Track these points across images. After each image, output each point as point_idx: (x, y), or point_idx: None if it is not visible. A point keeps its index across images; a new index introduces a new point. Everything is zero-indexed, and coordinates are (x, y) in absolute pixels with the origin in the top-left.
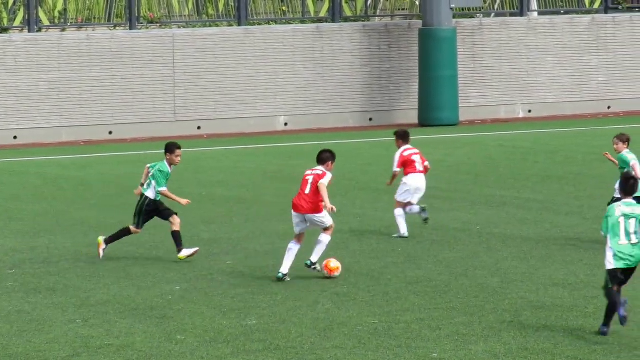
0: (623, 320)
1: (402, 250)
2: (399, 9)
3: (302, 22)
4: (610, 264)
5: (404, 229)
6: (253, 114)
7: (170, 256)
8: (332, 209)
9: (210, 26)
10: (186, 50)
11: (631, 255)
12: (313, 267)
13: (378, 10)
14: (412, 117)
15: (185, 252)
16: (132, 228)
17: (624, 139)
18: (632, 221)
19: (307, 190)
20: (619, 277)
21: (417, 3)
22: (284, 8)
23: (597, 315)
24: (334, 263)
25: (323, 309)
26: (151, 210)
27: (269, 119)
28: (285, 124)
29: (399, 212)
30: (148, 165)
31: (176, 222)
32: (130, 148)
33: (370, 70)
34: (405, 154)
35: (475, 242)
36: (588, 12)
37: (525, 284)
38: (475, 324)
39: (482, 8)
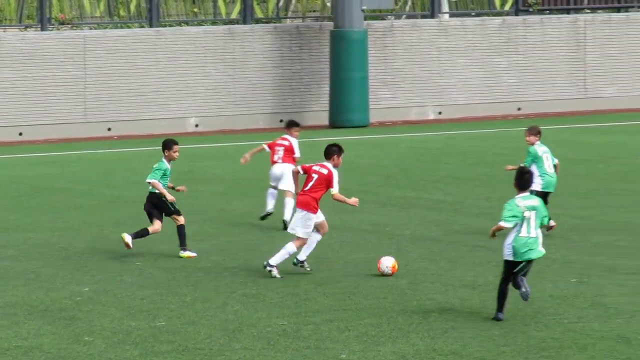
0: (524, 295)
1: (311, 251)
2: (310, 11)
3: (214, 23)
4: (508, 255)
5: (269, 206)
6: (164, 115)
7: (79, 258)
8: (356, 202)
9: (121, 27)
10: (97, 52)
11: (530, 249)
12: (301, 265)
13: (289, 12)
14: (323, 118)
15: (127, 237)
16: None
17: (535, 131)
18: (533, 213)
19: (308, 187)
20: (519, 268)
21: (329, 5)
22: (195, 9)
23: (505, 317)
24: (391, 261)
25: (232, 310)
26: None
27: (180, 120)
28: (196, 126)
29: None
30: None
31: (157, 227)
32: (41, 149)
33: (281, 71)
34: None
35: (385, 244)
36: (499, 14)
37: (435, 285)
38: (384, 325)
39: (393, 10)
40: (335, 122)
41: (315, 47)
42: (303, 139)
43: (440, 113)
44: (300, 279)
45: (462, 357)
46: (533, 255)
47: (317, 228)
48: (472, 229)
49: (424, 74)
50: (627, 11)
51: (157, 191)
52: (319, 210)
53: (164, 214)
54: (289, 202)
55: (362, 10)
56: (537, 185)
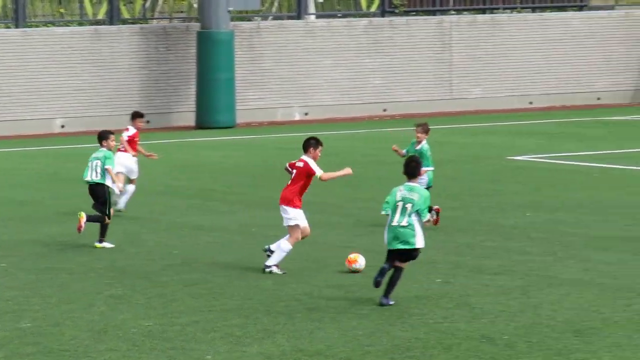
0: (376, 283)
1: (178, 252)
2: (177, 12)
3: (80, 24)
4: (385, 244)
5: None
6: (30, 116)
7: None
8: (349, 171)
9: None
10: None
11: (404, 240)
12: (268, 253)
13: (156, 13)
14: (190, 119)
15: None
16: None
17: (426, 128)
18: (409, 205)
19: (289, 182)
20: (393, 256)
21: (195, 6)
22: (61, 10)
23: (371, 317)
24: (353, 255)
25: (98, 312)
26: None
27: (46, 121)
28: (62, 126)
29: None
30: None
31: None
32: None
33: (148, 72)
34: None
35: (251, 244)
36: (365, 15)
37: (300, 286)
38: (250, 326)
39: (260, 11)
40: (202, 123)
41: (182, 48)
42: (170, 140)
43: (306, 114)
44: (168, 281)
45: (328, 358)
46: (400, 245)
47: (290, 227)
48: (338, 229)
49: (290, 75)
50: (492, 13)
51: (97, 182)
52: (299, 209)
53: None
54: (130, 189)
55: (229, 11)
56: (424, 182)
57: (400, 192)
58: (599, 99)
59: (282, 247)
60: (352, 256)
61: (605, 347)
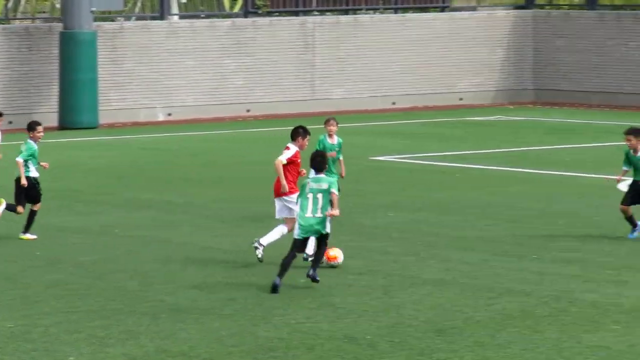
0: (274, 288)
1: (41, 253)
2: (39, 12)
3: None
4: (297, 234)
5: None
6: None
7: None
8: (285, 187)
9: None
10: None
11: (314, 230)
12: (258, 245)
13: (18, 13)
14: (53, 119)
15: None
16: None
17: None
18: (320, 196)
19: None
20: (302, 244)
21: (58, 6)
22: None
23: (234, 318)
24: (333, 252)
25: None
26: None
27: None
28: None
29: None
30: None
31: (36, 206)
32: None
33: (10, 73)
34: None
35: (114, 245)
36: (228, 16)
37: (164, 287)
38: (114, 327)
39: (123, 11)
40: (65, 124)
41: (44, 48)
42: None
43: (170, 114)
44: (31, 282)
45: (191, 358)
46: (312, 234)
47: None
48: (202, 230)
49: (153, 76)
50: (355, 13)
51: (31, 175)
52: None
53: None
54: None
55: (92, 12)
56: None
57: (308, 185)
58: (461, 99)
59: (278, 230)
60: (332, 253)
61: (467, 346)
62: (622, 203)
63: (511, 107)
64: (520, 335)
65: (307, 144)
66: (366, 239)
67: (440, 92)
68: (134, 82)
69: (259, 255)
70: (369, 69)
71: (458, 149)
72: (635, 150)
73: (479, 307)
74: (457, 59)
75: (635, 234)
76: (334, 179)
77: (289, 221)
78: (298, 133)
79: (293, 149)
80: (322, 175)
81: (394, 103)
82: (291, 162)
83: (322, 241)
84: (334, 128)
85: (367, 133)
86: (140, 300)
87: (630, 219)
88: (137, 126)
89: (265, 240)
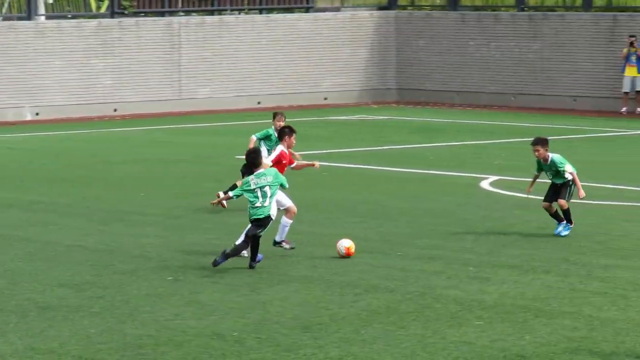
0: (218, 261)
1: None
2: None
3: None
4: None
5: None
6: None
7: None
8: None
9: None
10: None
11: (263, 216)
12: (279, 245)
13: None
14: None
15: None
16: None
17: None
18: (267, 189)
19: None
20: (257, 230)
21: None
22: None
23: (102, 315)
24: (348, 242)
25: None
26: None
27: None
28: None
29: None
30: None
31: None
32: None
33: None
34: None
35: None
36: (95, 16)
37: (32, 285)
38: None
39: None
40: None
41: None
42: None
43: (37, 114)
44: None
45: (60, 356)
46: (260, 216)
47: (285, 209)
48: (69, 229)
49: (20, 75)
50: (220, 14)
51: None
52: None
53: None
54: None
55: None
56: None
57: (252, 182)
58: (325, 99)
59: (283, 222)
60: (350, 245)
61: (333, 342)
62: (544, 201)
63: (375, 106)
64: (386, 331)
65: (294, 141)
66: (232, 237)
67: (305, 92)
68: (2, 81)
69: (288, 247)
70: (234, 69)
71: (323, 148)
72: (545, 159)
73: (344, 304)
74: (321, 59)
75: (561, 229)
76: (274, 170)
77: (287, 210)
78: (284, 133)
79: (278, 149)
80: (260, 170)
81: (259, 103)
82: (279, 162)
83: (265, 225)
84: (282, 123)
85: (233, 132)
86: (7, 298)
87: (556, 215)
88: (5, 126)
89: (279, 236)
